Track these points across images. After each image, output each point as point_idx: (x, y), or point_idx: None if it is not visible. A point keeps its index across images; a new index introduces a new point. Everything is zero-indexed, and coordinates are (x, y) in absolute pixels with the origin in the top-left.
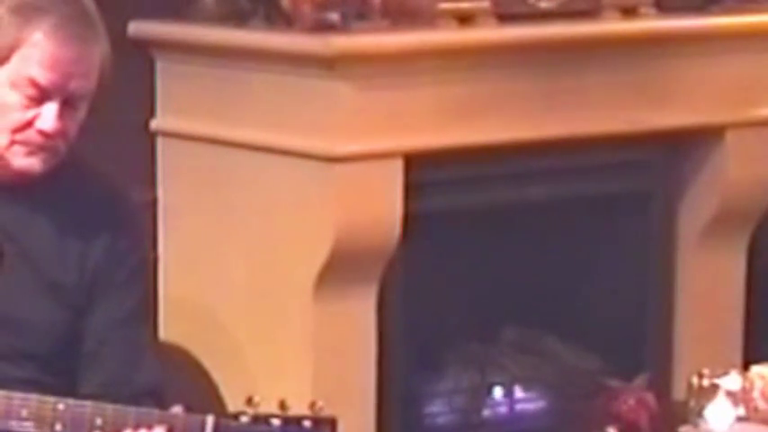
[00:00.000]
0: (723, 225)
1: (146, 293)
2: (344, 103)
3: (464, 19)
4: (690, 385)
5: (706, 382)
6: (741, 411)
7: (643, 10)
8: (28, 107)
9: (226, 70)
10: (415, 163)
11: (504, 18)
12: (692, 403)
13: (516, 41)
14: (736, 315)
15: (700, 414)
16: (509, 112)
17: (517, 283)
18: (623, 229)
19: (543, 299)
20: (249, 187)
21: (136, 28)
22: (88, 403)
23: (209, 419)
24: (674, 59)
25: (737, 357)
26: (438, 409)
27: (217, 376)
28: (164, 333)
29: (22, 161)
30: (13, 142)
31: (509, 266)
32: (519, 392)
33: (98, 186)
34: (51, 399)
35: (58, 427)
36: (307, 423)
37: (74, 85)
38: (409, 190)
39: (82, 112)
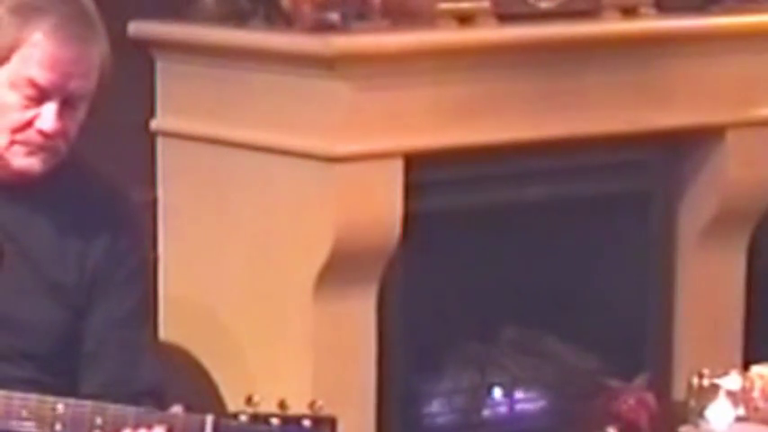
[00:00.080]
0: (723, 225)
1: (146, 293)
2: (344, 103)
3: (464, 19)
4: (690, 385)
5: (706, 382)
6: (741, 411)
7: (643, 10)
8: (27, 107)
9: (226, 70)
10: (415, 163)
11: (504, 18)
12: (692, 403)
13: (516, 41)
14: (736, 315)
15: (700, 414)
16: (509, 112)
17: (517, 283)
18: (623, 229)
19: (543, 299)
20: (249, 187)
21: (136, 28)
22: (88, 403)
23: (209, 419)
24: (674, 59)
25: (737, 357)
26: (438, 409)
27: (217, 376)
28: (164, 333)
29: (22, 161)
30: (12, 142)
31: (509, 266)
32: (519, 392)
33: (98, 186)
34: (51, 399)
35: (58, 426)
36: (306, 422)
37: (73, 85)
38: (409, 190)
39: (82, 112)
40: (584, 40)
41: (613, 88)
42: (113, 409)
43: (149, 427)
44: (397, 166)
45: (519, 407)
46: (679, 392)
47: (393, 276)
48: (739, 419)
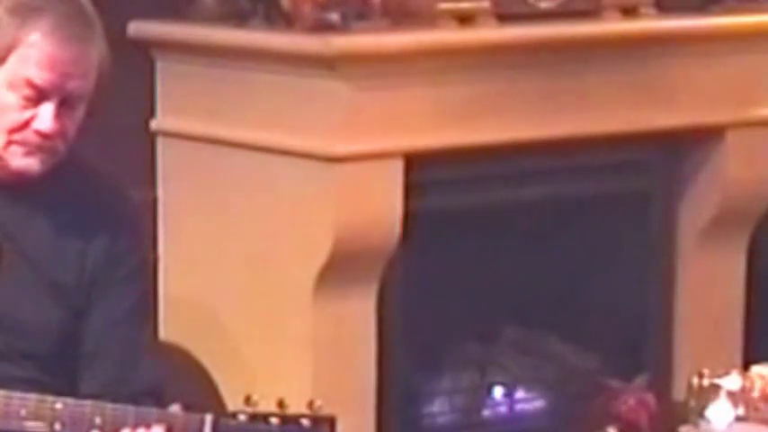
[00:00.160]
0: (723, 225)
1: (145, 293)
2: (344, 103)
3: (464, 19)
4: (690, 385)
5: (706, 382)
6: (741, 411)
7: (643, 10)
8: (25, 107)
9: (226, 70)
10: (415, 163)
11: (504, 18)
12: (692, 403)
13: (516, 41)
14: (736, 315)
15: (700, 414)
16: (509, 112)
17: (517, 283)
18: (623, 229)
19: (543, 299)
20: (249, 187)
21: (136, 28)
22: (87, 402)
23: (208, 418)
24: (674, 59)
25: (737, 357)
26: (438, 409)
27: (217, 376)
28: (164, 333)
29: (21, 161)
30: (10, 142)
31: (509, 266)
32: (519, 392)
33: (97, 186)
34: (50, 398)
35: (57, 426)
36: (305, 422)
37: (71, 85)
38: (409, 190)
39: (80, 112)
40: (585, 40)
41: (613, 88)
42: (112, 408)
43: (148, 426)
44: (397, 166)
45: (519, 407)
46: (679, 392)
47: (393, 276)
48: (739, 419)
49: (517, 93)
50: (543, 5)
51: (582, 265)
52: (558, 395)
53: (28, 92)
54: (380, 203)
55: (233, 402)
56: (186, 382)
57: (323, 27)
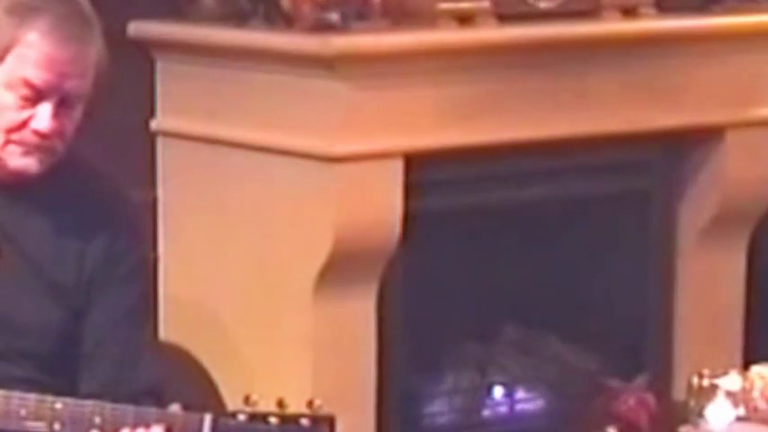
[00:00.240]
0: (723, 225)
1: (145, 293)
2: (344, 103)
3: (464, 19)
4: (690, 385)
5: (706, 383)
6: (741, 411)
7: (643, 10)
8: (23, 107)
9: (226, 70)
10: (415, 163)
11: (504, 18)
12: (692, 403)
13: (516, 41)
14: (736, 315)
15: (700, 414)
16: (509, 112)
17: (517, 283)
18: (623, 229)
19: (543, 299)
20: (249, 187)
21: (136, 28)
22: (87, 402)
23: (207, 418)
24: (674, 59)
25: (737, 357)
26: (438, 409)
27: (217, 376)
28: (164, 333)
29: (19, 161)
30: (8, 142)
31: (509, 266)
32: (519, 392)
33: (96, 185)
34: (50, 398)
35: (57, 426)
36: (305, 421)
37: (69, 85)
38: (409, 190)
39: (78, 112)
40: (584, 40)
41: (613, 88)
42: (112, 408)
43: (148, 425)
44: (397, 166)
45: (519, 407)
46: (679, 392)
47: (393, 276)
48: (739, 419)
49: (517, 93)
50: (543, 5)
51: (582, 265)
52: (558, 395)
53: (26, 92)
54: (380, 203)
55: (233, 402)
56: (186, 381)
57: (323, 27)
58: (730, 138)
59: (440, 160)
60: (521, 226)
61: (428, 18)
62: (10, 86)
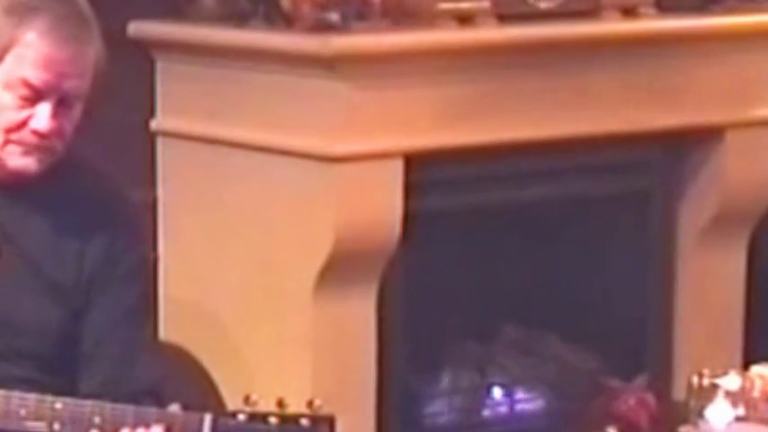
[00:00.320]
0: (723, 225)
1: (144, 292)
2: (344, 103)
3: (464, 19)
4: (690, 385)
5: (706, 382)
6: (741, 411)
7: (643, 10)
8: (22, 107)
9: (226, 70)
10: (415, 163)
11: (504, 18)
12: (692, 403)
13: (516, 41)
14: (736, 315)
15: (700, 414)
16: (509, 112)
17: (517, 283)
18: (623, 229)
19: (543, 299)
20: (249, 187)
21: (136, 28)
22: (86, 402)
23: (207, 417)
24: (674, 59)
25: (737, 357)
26: (438, 409)
27: (217, 376)
28: (164, 333)
29: (18, 161)
30: (7, 142)
31: (509, 266)
32: (519, 392)
33: (95, 185)
34: (49, 398)
35: (57, 425)
36: (304, 421)
37: (68, 84)
38: (409, 190)
39: (77, 112)
40: (584, 40)
41: (613, 88)
42: (112, 408)
43: (147, 425)
44: (397, 166)
45: (519, 407)
46: (679, 392)
47: (393, 276)
48: (739, 419)
49: (517, 93)
50: (543, 5)
51: (582, 265)
52: (558, 395)
53: (24, 92)
54: (380, 203)
55: (233, 402)
56: (186, 381)
57: (323, 27)
58: (730, 138)
59: (440, 160)
60: (521, 226)
61: (428, 18)
62: (9, 86)
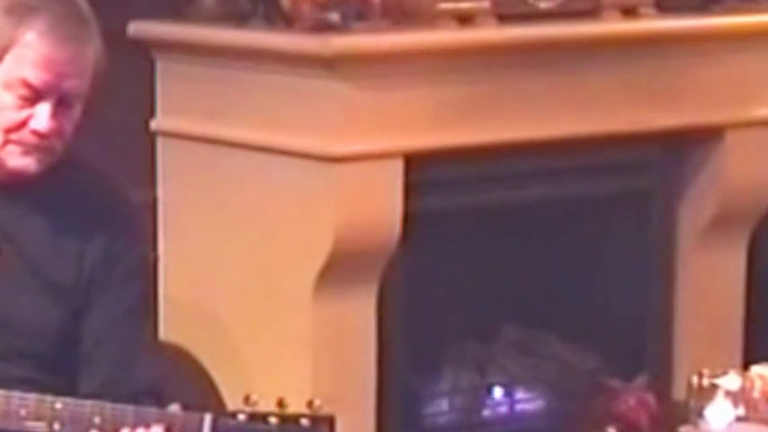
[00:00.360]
0: (723, 225)
1: (144, 292)
2: (344, 103)
3: (464, 19)
4: (690, 385)
5: (706, 382)
6: (741, 411)
7: (643, 10)
8: (21, 107)
9: (226, 70)
10: (415, 163)
11: (504, 18)
12: (692, 403)
13: (516, 41)
14: (736, 315)
15: (700, 414)
16: (509, 112)
17: (517, 283)
18: (623, 229)
19: (543, 299)
20: (249, 187)
21: (136, 28)
22: (86, 402)
23: (207, 417)
24: (674, 59)
25: (737, 357)
26: (438, 409)
27: (217, 376)
28: (164, 333)
29: (18, 161)
30: (7, 142)
31: (509, 266)
32: (519, 392)
33: (95, 185)
34: (49, 398)
35: (57, 425)
36: (304, 421)
37: (68, 84)
38: (409, 190)
39: (77, 111)
40: (584, 40)
41: (613, 88)
42: (112, 407)
43: (147, 425)
44: (397, 166)
45: (519, 407)
46: (679, 392)
47: (393, 276)
48: (739, 419)
49: (517, 93)
50: (543, 5)
51: (582, 265)
52: (557, 395)
53: (24, 92)
54: (380, 203)
55: (233, 402)
56: (186, 381)
57: (323, 27)
58: (730, 138)
59: (440, 160)
60: (521, 226)
61: (428, 18)
62: (8, 87)
